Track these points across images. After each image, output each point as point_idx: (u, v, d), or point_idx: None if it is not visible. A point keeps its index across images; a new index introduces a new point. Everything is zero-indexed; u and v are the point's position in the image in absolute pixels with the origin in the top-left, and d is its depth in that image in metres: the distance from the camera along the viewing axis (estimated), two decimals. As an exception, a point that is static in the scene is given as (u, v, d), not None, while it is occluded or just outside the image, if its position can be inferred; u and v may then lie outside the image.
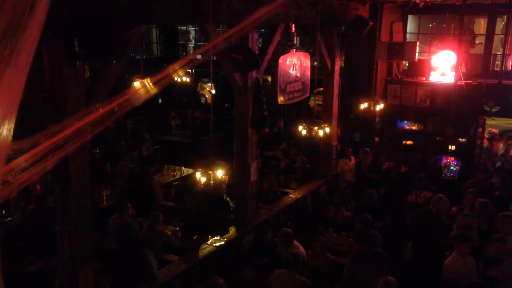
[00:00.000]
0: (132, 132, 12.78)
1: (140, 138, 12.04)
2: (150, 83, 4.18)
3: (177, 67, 4.01)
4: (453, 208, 7.71)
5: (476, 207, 6.99)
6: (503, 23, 12.21)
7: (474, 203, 7.23)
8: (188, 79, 15.15)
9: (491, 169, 10.61)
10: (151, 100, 15.79)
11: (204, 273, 6.35)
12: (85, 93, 4.85)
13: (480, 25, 13.22)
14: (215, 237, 6.97)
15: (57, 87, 4.66)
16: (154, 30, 17.01)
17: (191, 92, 16.34)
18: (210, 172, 5.41)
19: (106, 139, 11.40)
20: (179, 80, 15.05)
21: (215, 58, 6.74)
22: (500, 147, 11.05)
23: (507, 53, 11.32)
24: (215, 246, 6.78)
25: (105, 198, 8.65)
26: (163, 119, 14.63)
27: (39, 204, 7.05)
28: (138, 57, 15.79)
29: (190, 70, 15.49)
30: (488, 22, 11.75)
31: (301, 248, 6.79)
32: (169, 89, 16.03)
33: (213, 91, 12.56)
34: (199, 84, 16.41)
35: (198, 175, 5.49)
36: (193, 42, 17.09)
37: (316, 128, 7.95)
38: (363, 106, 10.25)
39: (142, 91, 4.18)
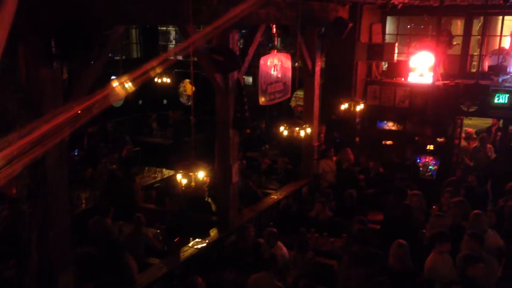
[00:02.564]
0: (112, 134, 12.63)
1: (120, 140, 11.91)
2: (128, 81, 4.12)
3: (155, 64, 3.95)
4: (433, 207, 7.82)
5: (452, 206, 7.10)
6: (480, 24, 12.45)
7: (450, 202, 7.34)
8: (168, 80, 15.07)
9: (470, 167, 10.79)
10: (131, 102, 15.67)
11: (186, 276, 6.29)
12: (62, 94, 4.76)
13: (457, 26, 13.45)
14: (197, 239, 6.93)
15: (33, 88, 4.57)
16: (133, 30, 16.84)
17: (172, 93, 16.23)
18: (191, 173, 5.38)
19: (88, 141, 11.26)
20: (159, 81, 14.99)
21: (195, 59, 6.71)
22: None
23: (484, 53, 11.54)
24: (197, 248, 6.74)
25: (84, 201, 8.52)
26: (143, 120, 14.49)
27: (12, 209, 6.88)
28: (118, 58, 15.66)
29: (170, 71, 15.40)
30: (465, 23, 11.96)
31: (284, 249, 6.80)
32: (149, 91, 15.89)
33: (194, 91, 12.48)
34: (181, 84, 16.31)
35: (179, 176, 5.45)
36: (173, 42, 16.99)
37: (297, 128, 7.98)
38: (344, 106, 10.34)
39: (119, 89, 4.12)
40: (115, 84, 4.02)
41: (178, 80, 16.11)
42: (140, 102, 16.02)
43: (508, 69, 10.53)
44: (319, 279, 6.29)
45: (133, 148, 11.07)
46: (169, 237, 7.25)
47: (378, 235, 6.98)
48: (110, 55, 14.91)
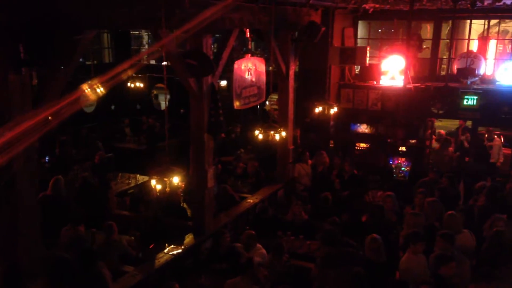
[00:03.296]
0: (85, 141, 12.42)
1: (92, 146, 11.71)
2: (98, 85, 4.05)
3: (125, 68, 3.90)
4: (407, 208, 7.94)
5: (425, 206, 7.23)
6: (448, 27, 12.77)
7: (423, 202, 7.47)
8: (142, 85, 14.93)
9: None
10: (104, 107, 15.45)
11: (162, 283, 6.21)
12: (31, 100, 4.65)
13: (427, 30, 13.76)
14: (172, 245, 6.85)
15: (1, 94, 4.44)
16: (105, 35, 16.63)
17: (145, 98, 16.07)
18: (166, 179, 5.32)
19: (60, 148, 11.05)
20: (132, 86, 14.83)
21: (169, 63, 6.66)
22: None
23: (453, 56, 11.83)
24: (172, 254, 6.66)
25: (56, 209, 8.31)
26: (116, 126, 14.29)
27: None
28: (89, 63, 15.43)
29: (143, 76, 15.26)
30: (434, 27, 12.24)
31: (263, 250, 6.80)
32: (122, 96, 15.71)
33: (168, 97, 12.39)
34: (153, 90, 16.18)
35: (153, 182, 5.39)
36: (146, 47, 16.86)
37: (272, 132, 8.00)
38: (318, 110, 10.43)
39: (89, 93, 4.04)
40: (85, 88, 3.95)
41: (151, 84, 15.97)
42: (113, 107, 15.80)
43: (476, 72, 10.80)
44: (296, 282, 6.31)
45: (105, 154, 10.90)
46: (143, 243, 7.15)
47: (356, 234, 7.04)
48: (81, 60, 14.69)
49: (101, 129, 14.21)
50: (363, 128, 12.30)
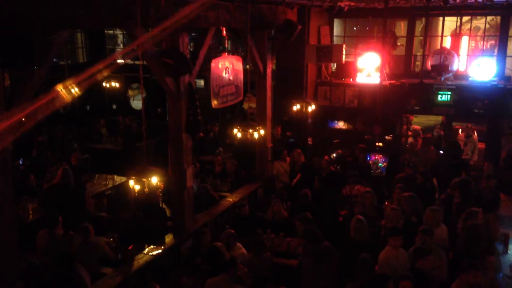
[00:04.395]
0: (60, 142, 12.20)
1: (68, 147, 11.51)
2: (72, 85, 3.98)
3: (100, 67, 3.84)
4: (386, 202, 8.04)
5: (403, 201, 7.34)
6: (422, 25, 12.98)
7: (401, 197, 7.58)
8: (117, 85, 14.73)
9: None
10: (79, 108, 15.22)
11: (142, 284, 6.16)
12: (4, 102, 4.53)
13: (401, 27, 13.96)
14: (152, 246, 6.79)
15: (-29, 96, 4.33)
16: (79, 34, 16.35)
17: (121, 98, 15.87)
18: (144, 179, 5.27)
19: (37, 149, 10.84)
20: (107, 85, 14.62)
21: (145, 62, 6.59)
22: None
23: (427, 53, 12.04)
24: (152, 255, 6.61)
25: (31, 212, 8.16)
26: (92, 127, 14.08)
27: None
28: (63, 63, 15.14)
29: (119, 75, 15.06)
30: (408, 24, 12.44)
31: (244, 250, 6.80)
32: (97, 96, 15.49)
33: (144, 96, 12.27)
34: (130, 90, 15.99)
35: (131, 183, 5.33)
36: (121, 46, 16.63)
37: (250, 130, 8.00)
38: (296, 107, 10.47)
39: (64, 94, 3.96)
40: (59, 88, 3.86)
41: (127, 84, 15.79)
42: (88, 107, 15.57)
43: (449, 68, 11.02)
44: (277, 279, 6.34)
45: (81, 155, 10.73)
46: (123, 245, 7.07)
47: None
48: (54, 60, 14.41)
49: (76, 130, 13.98)
50: (341, 125, 12.42)
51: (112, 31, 16.24)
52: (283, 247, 7.40)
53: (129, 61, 15.88)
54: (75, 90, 3.91)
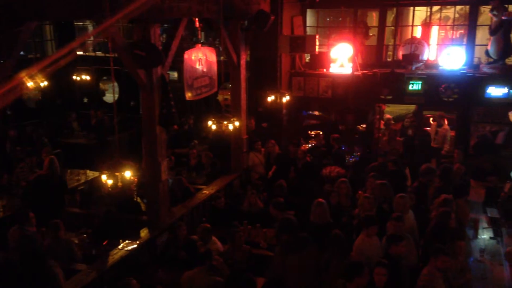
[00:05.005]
0: (30, 137, 11.92)
1: (38, 142, 11.26)
2: (36, 72, 3.87)
3: (64, 54, 3.72)
4: (359, 192, 8.16)
5: (376, 189, 7.47)
6: (393, 15, 13.14)
7: (374, 185, 7.71)
8: (88, 78, 14.44)
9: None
10: (49, 102, 14.88)
11: (117, 280, 6.10)
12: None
13: (373, 18, 14.12)
14: (127, 241, 6.72)
15: None
16: (48, 27, 15.94)
17: (92, 91, 15.57)
18: (117, 173, 5.20)
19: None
20: (78, 79, 14.31)
21: (116, 54, 6.48)
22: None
23: (398, 43, 12.21)
24: (127, 250, 6.53)
25: (1, 209, 7.97)
26: (63, 121, 13.79)
27: None
28: (32, 56, 14.75)
29: (90, 68, 14.77)
30: (379, 14, 12.57)
31: (219, 244, 6.80)
32: (68, 89, 15.17)
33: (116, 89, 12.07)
34: (101, 83, 15.71)
35: (104, 177, 5.25)
36: (91, 38, 16.27)
37: (225, 122, 7.98)
38: (270, 98, 10.49)
39: (27, 81, 3.84)
40: (22, 76, 3.74)
41: (98, 77, 15.49)
42: (59, 102, 15.22)
43: (420, 57, 11.20)
44: (254, 270, 6.36)
45: (51, 150, 10.51)
46: (97, 240, 6.98)
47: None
48: (22, 53, 14.03)
49: (47, 124, 13.67)
50: (315, 116, 12.51)
51: (81, 23, 15.87)
52: (259, 238, 7.43)
53: (100, 53, 15.59)
54: (38, 79, 3.80)
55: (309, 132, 12.29)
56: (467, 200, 7.76)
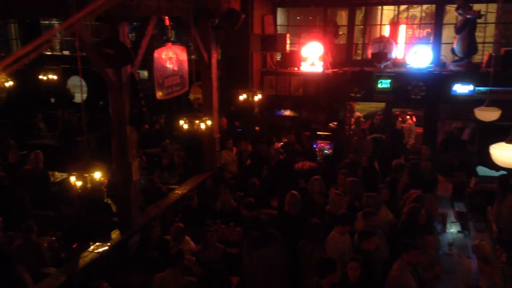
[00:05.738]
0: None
1: (3, 143, 10.93)
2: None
3: (31, 48, 3.60)
4: (331, 188, 8.24)
5: (347, 186, 7.56)
6: (362, 14, 13.32)
7: (345, 182, 7.80)
8: (55, 77, 14.11)
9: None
10: (14, 102, 14.45)
11: (88, 283, 5.98)
12: None
13: (342, 17, 14.27)
14: (97, 243, 6.60)
15: None
16: (12, 25, 15.48)
17: (60, 90, 15.21)
18: (86, 174, 5.09)
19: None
20: (45, 78, 13.96)
21: (84, 53, 6.34)
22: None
23: (367, 42, 12.38)
24: (98, 252, 6.42)
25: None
26: (29, 121, 13.42)
27: None
28: (-5, 55, 14.29)
29: (57, 67, 14.42)
30: (348, 13, 12.71)
31: (192, 244, 6.75)
32: (34, 89, 14.77)
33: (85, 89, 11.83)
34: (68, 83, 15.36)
35: (73, 179, 5.13)
36: (57, 35, 15.87)
37: (197, 121, 7.92)
38: (242, 97, 10.48)
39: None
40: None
41: (65, 76, 15.15)
42: (25, 102, 14.81)
43: (388, 56, 11.39)
44: (228, 268, 6.34)
45: (18, 152, 10.22)
46: (66, 243, 6.83)
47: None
48: (-15, 52, 13.58)
49: (12, 125, 13.28)
50: (287, 114, 12.56)
51: (47, 21, 15.47)
52: (233, 237, 7.42)
53: (67, 52, 15.25)
54: (2, 78, 3.68)
55: (281, 130, 12.34)
56: (435, 195, 7.93)
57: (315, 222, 6.08)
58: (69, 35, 11.75)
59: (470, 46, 10.99)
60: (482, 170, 10.45)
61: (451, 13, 12.06)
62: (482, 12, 11.01)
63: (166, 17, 8.31)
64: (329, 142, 11.68)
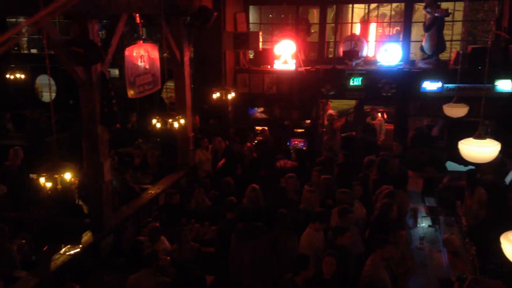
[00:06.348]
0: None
1: (-31, 145, 10.60)
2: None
3: None
4: (305, 186, 8.29)
5: (321, 183, 7.62)
6: (333, 12, 13.45)
7: (319, 179, 7.86)
8: (23, 76, 13.75)
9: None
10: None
11: (60, 285, 5.86)
12: None
13: (314, 15, 14.37)
14: (69, 245, 6.47)
15: None
16: (-24, 22, 14.97)
17: (28, 90, 14.81)
18: (56, 175, 4.98)
19: None
20: (12, 77, 13.57)
21: (52, 52, 6.20)
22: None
23: (338, 40, 12.50)
24: (70, 254, 6.30)
25: None
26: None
27: None
28: (-42, 53, 13.78)
29: (25, 66, 14.04)
30: (320, 12, 12.82)
31: (167, 243, 6.69)
32: (1, 89, 14.34)
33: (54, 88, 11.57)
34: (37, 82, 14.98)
35: (42, 180, 5.01)
36: (23, 30, 15.43)
37: (170, 120, 7.85)
38: (215, 95, 10.42)
39: None
40: None
41: (34, 75, 14.76)
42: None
43: (360, 54, 11.53)
44: (203, 268, 6.32)
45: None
46: (37, 246, 6.67)
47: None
48: None
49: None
50: (261, 112, 12.58)
51: (14, 19, 15.03)
52: (208, 236, 7.38)
53: (35, 51, 14.87)
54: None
55: (255, 128, 12.36)
56: (406, 190, 8.07)
57: (283, 213, 6.16)
58: (37, 33, 11.46)
59: (438, 44, 11.22)
60: (451, 165, 10.71)
61: (420, 12, 12.30)
62: (449, 10, 11.27)
63: (137, 15, 8.18)
64: (303, 139, 11.76)
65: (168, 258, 6.02)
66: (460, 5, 11.51)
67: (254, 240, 5.98)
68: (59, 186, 5.00)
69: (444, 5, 11.28)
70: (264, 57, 12.25)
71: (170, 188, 8.89)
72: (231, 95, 10.60)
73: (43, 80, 14.89)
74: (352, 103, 13.69)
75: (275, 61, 12.03)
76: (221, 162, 9.93)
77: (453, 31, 12.73)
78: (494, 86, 10.75)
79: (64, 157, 5.59)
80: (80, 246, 6.53)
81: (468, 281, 5.25)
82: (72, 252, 6.35)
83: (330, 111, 13.53)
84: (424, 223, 7.89)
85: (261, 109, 12.54)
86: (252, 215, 6.20)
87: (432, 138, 11.70)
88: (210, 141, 10.38)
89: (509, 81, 10.29)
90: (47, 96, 15.09)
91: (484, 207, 7.44)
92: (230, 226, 6.35)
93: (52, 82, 11.59)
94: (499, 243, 2.87)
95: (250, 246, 5.98)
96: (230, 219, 6.54)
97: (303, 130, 11.95)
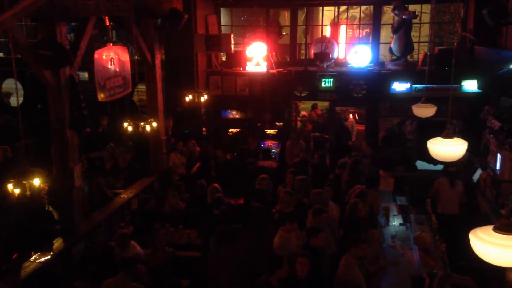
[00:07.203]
0: None
1: None
2: None
3: None
4: (279, 187, 8.32)
5: (295, 184, 7.67)
6: (304, 15, 13.57)
7: (294, 180, 7.91)
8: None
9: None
10: None
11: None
12: None
13: (285, 17, 14.46)
14: (39, 253, 6.31)
15: None
16: None
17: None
18: (25, 181, 4.86)
19: None
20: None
21: (19, 55, 6.06)
22: None
23: (309, 42, 12.61)
24: (40, 262, 6.14)
25: None
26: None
27: None
28: None
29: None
30: (291, 14, 12.91)
31: (138, 248, 6.61)
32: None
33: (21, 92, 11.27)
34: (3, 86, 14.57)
35: (10, 186, 4.88)
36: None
37: (142, 123, 7.76)
38: (188, 98, 10.36)
39: None
40: None
41: (0, 80, 14.36)
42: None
43: (330, 56, 11.67)
44: (178, 272, 6.27)
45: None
46: (6, 254, 6.48)
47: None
48: None
49: None
50: (234, 114, 12.57)
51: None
52: (183, 240, 7.33)
53: (1, 54, 14.47)
54: None
55: (229, 130, 12.34)
56: (378, 189, 8.20)
57: (258, 206, 6.33)
58: (3, 36, 11.15)
59: (406, 46, 11.46)
60: (421, 164, 10.94)
61: (388, 14, 12.54)
62: (417, 13, 11.52)
63: (106, 17, 8.07)
64: (276, 141, 11.81)
65: (143, 268, 5.94)
66: (427, 8, 11.78)
67: (233, 244, 6.00)
68: (28, 193, 4.88)
69: (411, 7, 11.53)
70: (236, 59, 12.25)
71: (143, 192, 8.80)
72: (203, 98, 10.55)
73: (9, 84, 14.48)
74: (323, 104, 13.85)
75: (247, 63, 12.05)
76: (196, 166, 9.88)
77: (421, 33, 13.02)
78: (460, 86, 11.04)
79: (33, 162, 5.44)
80: (51, 253, 6.38)
81: (439, 277, 5.37)
82: (42, 259, 6.20)
83: (302, 112, 13.63)
84: (395, 222, 8.03)
85: (234, 111, 12.52)
86: (232, 218, 6.23)
87: (404, 137, 11.92)
88: (184, 144, 10.31)
89: (475, 81, 10.57)
90: (14, 100, 14.68)
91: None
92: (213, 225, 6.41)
93: (20, 86, 11.30)
94: (468, 240, 2.95)
95: (229, 249, 6.00)
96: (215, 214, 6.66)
97: (275, 131, 12.01)
